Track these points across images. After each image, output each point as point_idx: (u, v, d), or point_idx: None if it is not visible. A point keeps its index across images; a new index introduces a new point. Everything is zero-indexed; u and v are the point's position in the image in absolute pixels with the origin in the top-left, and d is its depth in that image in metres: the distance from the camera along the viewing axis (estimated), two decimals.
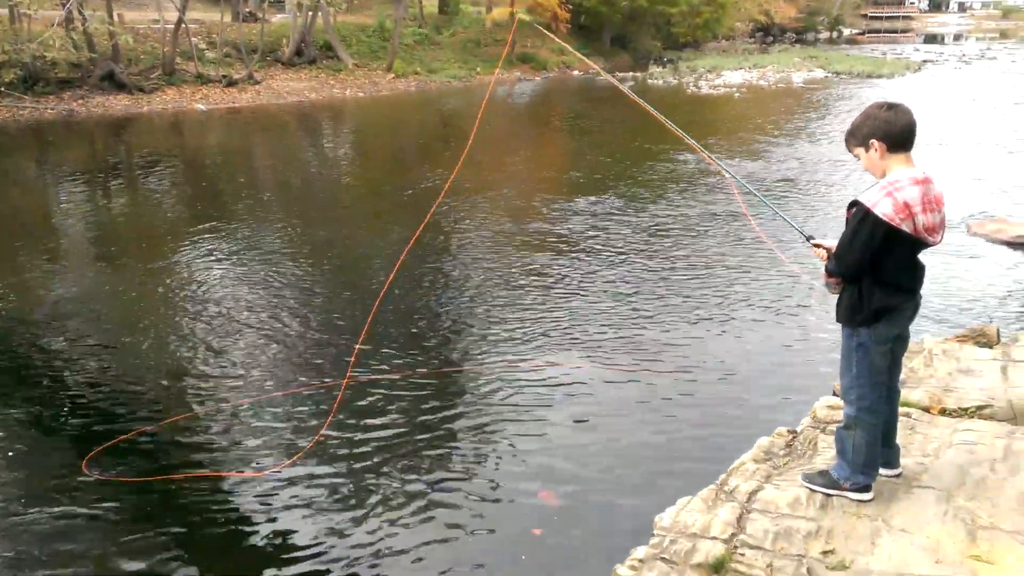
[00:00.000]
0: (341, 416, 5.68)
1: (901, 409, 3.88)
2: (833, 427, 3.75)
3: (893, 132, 3.21)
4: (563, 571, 4.18)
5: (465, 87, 30.96)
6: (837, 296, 3.43)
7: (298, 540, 4.44)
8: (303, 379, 6.28)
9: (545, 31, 8.77)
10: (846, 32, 64.29)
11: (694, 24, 44.58)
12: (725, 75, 32.00)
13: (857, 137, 3.31)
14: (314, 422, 5.61)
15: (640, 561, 3.24)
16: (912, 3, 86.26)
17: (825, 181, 13.17)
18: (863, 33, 65.51)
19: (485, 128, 17.67)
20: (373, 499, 4.77)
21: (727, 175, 4.46)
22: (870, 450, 3.43)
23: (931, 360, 5.02)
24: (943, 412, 4.35)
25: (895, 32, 66.52)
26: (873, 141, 3.24)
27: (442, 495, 4.81)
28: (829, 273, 3.39)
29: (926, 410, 4.35)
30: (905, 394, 4.27)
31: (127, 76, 23.83)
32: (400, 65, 31.30)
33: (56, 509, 4.68)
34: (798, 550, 3.20)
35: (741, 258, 9.07)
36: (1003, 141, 16.71)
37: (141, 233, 11.15)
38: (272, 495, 4.82)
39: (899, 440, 3.71)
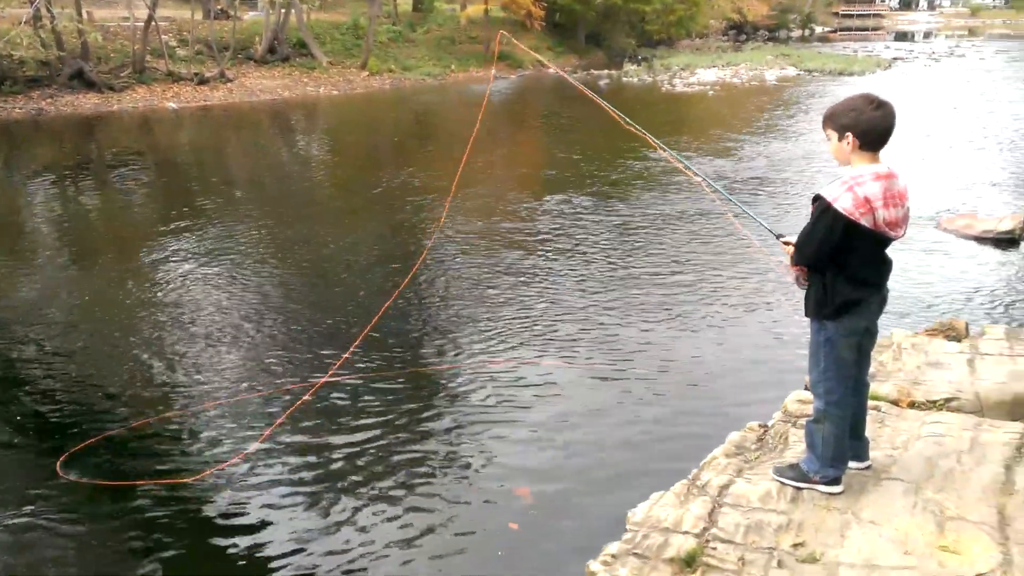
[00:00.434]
0: (310, 418, 5.65)
1: (870, 402, 3.92)
2: (803, 421, 3.78)
3: (872, 133, 3.21)
4: (538, 567, 4.19)
5: (440, 85, 30.90)
6: (805, 291, 3.47)
7: (267, 543, 4.39)
8: (272, 381, 6.22)
9: (524, 47, 8.77)
10: (818, 30, 64.88)
11: (668, 22, 44.78)
12: (699, 73, 32.17)
13: (835, 123, 3.29)
14: (285, 423, 5.57)
15: (613, 556, 3.25)
16: (883, 1, 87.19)
17: (796, 178, 13.27)
18: (835, 31, 66.12)
19: (460, 127, 17.67)
20: (346, 497, 4.74)
21: (694, 174, 4.46)
22: (839, 443, 3.47)
23: (900, 354, 5.08)
24: (912, 405, 4.40)
25: (866, 30, 67.23)
26: (849, 135, 3.25)
27: (417, 493, 4.79)
28: (793, 263, 3.43)
29: (895, 403, 4.40)
30: (874, 387, 4.32)
31: (97, 74, 23.54)
32: (375, 63, 31.18)
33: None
34: (769, 543, 3.23)
35: (712, 255, 9.12)
36: (971, 137, 16.93)
37: (110, 234, 11.02)
38: (242, 496, 4.78)
39: (868, 433, 3.75)
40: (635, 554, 3.25)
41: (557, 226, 10.50)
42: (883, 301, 3.47)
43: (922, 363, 4.93)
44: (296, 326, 7.33)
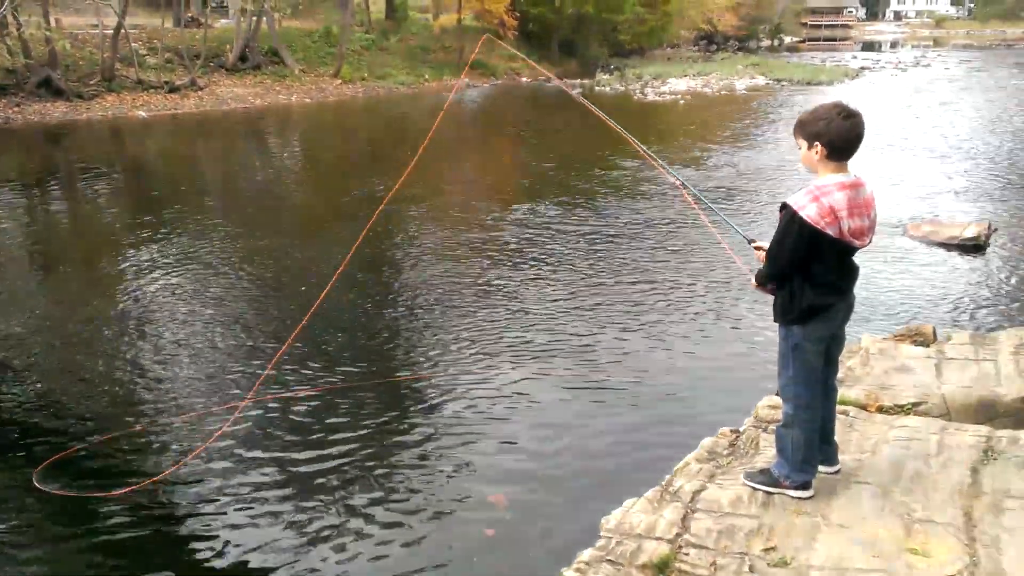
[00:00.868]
0: (274, 431, 5.61)
1: (839, 407, 3.96)
2: (774, 426, 3.82)
3: (839, 143, 3.24)
4: (512, 573, 4.18)
5: (413, 93, 30.91)
6: (774, 297, 3.50)
7: (237, 557, 4.34)
8: (228, 393, 6.14)
9: (512, 49, 8.76)
10: (787, 40, 65.82)
11: (640, 32, 45.23)
12: (671, 82, 32.49)
13: (804, 132, 3.32)
14: (249, 435, 5.53)
15: (586, 564, 3.26)
16: (850, 12, 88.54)
17: (764, 187, 13.41)
18: (803, 41, 67.14)
19: (434, 135, 17.65)
20: (318, 504, 4.71)
21: (678, 182, 4.49)
22: (808, 448, 3.50)
23: (868, 359, 5.14)
24: (880, 410, 4.46)
25: (834, 40, 68.30)
26: (817, 144, 3.28)
27: (390, 500, 4.77)
28: (766, 277, 3.46)
29: (863, 408, 4.45)
30: (843, 392, 4.37)
31: (65, 83, 23.28)
32: (347, 71, 31.13)
33: None
34: (740, 548, 3.25)
35: (682, 263, 9.19)
36: (935, 146, 17.23)
37: (72, 245, 10.89)
38: (214, 507, 4.73)
39: (837, 438, 3.78)
40: (609, 561, 3.25)
41: (527, 235, 10.51)
42: (850, 307, 3.51)
43: (890, 368, 4.99)
44: (256, 337, 7.25)
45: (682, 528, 3.39)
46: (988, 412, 4.47)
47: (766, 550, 3.22)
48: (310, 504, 4.75)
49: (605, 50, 44.68)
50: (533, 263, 9.31)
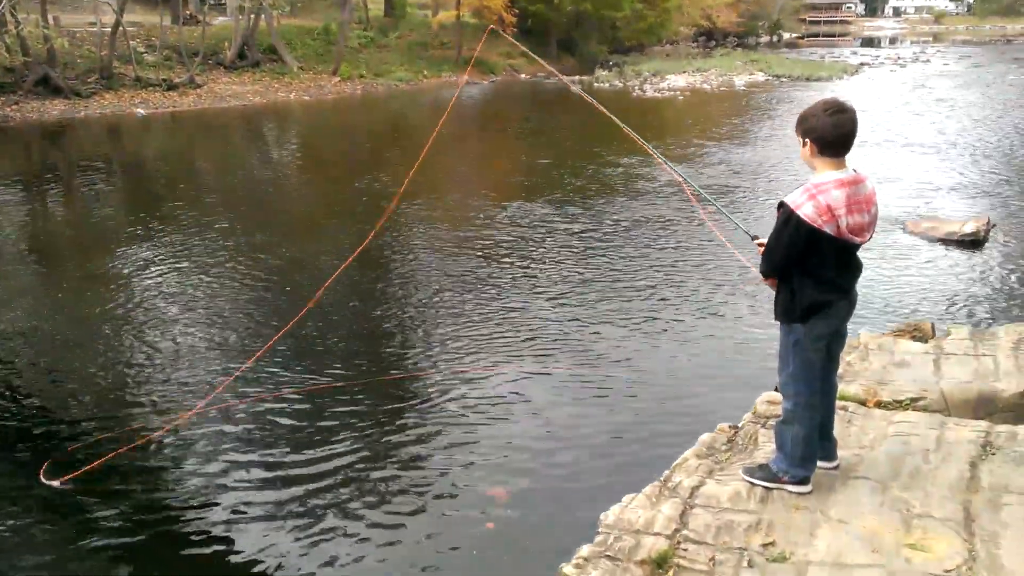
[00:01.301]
0: (278, 423, 5.61)
1: (838, 403, 3.96)
2: (773, 422, 3.82)
3: (827, 138, 3.25)
4: (511, 569, 4.19)
5: (412, 90, 30.88)
6: (775, 294, 3.50)
7: (239, 548, 4.36)
8: (238, 389, 6.16)
9: (515, 42, 8.66)
10: (786, 36, 65.76)
11: (638, 28, 45.21)
12: (669, 79, 32.46)
13: (800, 129, 3.35)
14: (255, 432, 5.53)
15: (585, 559, 3.26)
16: (849, 7, 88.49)
17: (766, 182, 13.42)
18: (802, 37, 67.07)
19: (431, 133, 17.59)
20: (321, 495, 4.74)
21: (679, 177, 4.50)
22: (808, 443, 3.50)
23: (867, 354, 5.14)
24: (878, 405, 4.46)
25: (833, 36, 68.29)
26: (807, 140, 3.31)
27: (392, 493, 4.79)
28: (763, 275, 3.46)
29: (862, 403, 4.46)
30: (841, 388, 4.37)
31: (63, 80, 23.25)
32: (346, 68, 31.10)
33: None
34: (739, 543, 3.25)
35: (681, 259, 9.18)
36: (934, 141, 17.21)
37: (70, 243, 10.86)
38: (214, 506, 4.74)
39: (836, 433, 3.78)
40: (607, 556, 3.25)
41: (522, 232, 10.49)
42: (852, 304, 3.50)
43: (888, 363, 4.99)
44: (257, 336, 7.24)
45: (680, 524, 3.39)
46: (987, 407, 4.47)
47: (765, 545, 3.22)
48: (308, 500, 4.75)
49: (604, 47, 44.65)
50: (528, 260, 9.30)
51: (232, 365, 6.57)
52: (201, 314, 7.77)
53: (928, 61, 41.55)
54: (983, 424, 4.12)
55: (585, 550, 3.32)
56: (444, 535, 4.45)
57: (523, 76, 35.36)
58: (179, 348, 6.95)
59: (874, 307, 7.43)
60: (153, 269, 9.14)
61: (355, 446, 5.30)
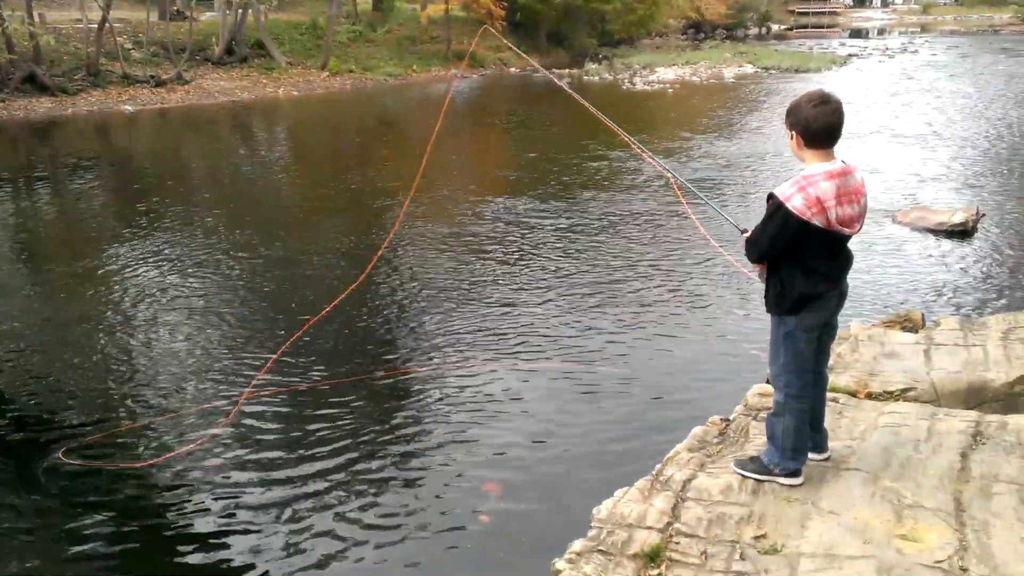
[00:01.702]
0: (268, 421, 5.59)
1: (829, 394, 3.97)
2: (764, 414, 3.82)
3: (812, 130, 3.25)
4: (503, 565, 4.19)
5: (401, 84, 30.78)
6: (765, 286, 3.50)
7: (232, 547, 4.35)
8: (230, 389, 6.15)
9: (507, 42, 8.60)
10: (775, 28, 65.70)
11: (628, 21, 45.11)
12: (659, 71, 32.43)
13: (787, 122, 3.36)
14: (252, 430, 5.51)
15: (577, 554, 3.26)
16: None
17: (755, 175, 13.42)
18: (791, 28, 67.06)
19: (421, 128, 17.60)
20: (316, 489, 4.75)
21: (668, 173, 4.49)
22: (799, 435, 3.51)
23: (857, 345, 5.15)
24: (869, 396, 4.47)
25: (822, 27, 68.26)
26: (794, 132, 3.31)
27: (387, 486, 4.81)
28: (750, 259, 3.47)
29: (853, 394, 4.47)
30: (832, 379, 4.37)
31: (49, 78, 23.07)
32: (335, 63, 30.95)
33: None
34: (731, 536, 3.25)
35: (671, 253, 9.18)
36: (922, 132, 17.25)
37: (57, 241, 10.78)
38: (213, 506, 4.72)
39: (827, 424, 3.79)
40: (600, 551, 3.25)
41: (512, 228, 10.46)
42: (842, 295, 3.50)
43: (879, 354, 5.00)
44: (245, 332, 7.23)
45: (673, 517, 3.39)
46: (977, 397, 4.49)
47: (757, 538, 3.23)
48: (300, 498, 4.75)
49: (594, 40, 44.59)
50: (519, 256, 9.28)
51: (230, 367, 6.56)
52: (192, 315, 7.73)
53: (916, 52, 41.60)
54: (973, 414, 4.14)
55: (578, 544, 3.32)
56: (438, 531, 4.45)
57: (512, 70, 35.27)
58: (172, 350, 6.92)
59: (864, 298, 7.46)
60: (141, 268, 9.09)
61: (346, 445, 5.29)
